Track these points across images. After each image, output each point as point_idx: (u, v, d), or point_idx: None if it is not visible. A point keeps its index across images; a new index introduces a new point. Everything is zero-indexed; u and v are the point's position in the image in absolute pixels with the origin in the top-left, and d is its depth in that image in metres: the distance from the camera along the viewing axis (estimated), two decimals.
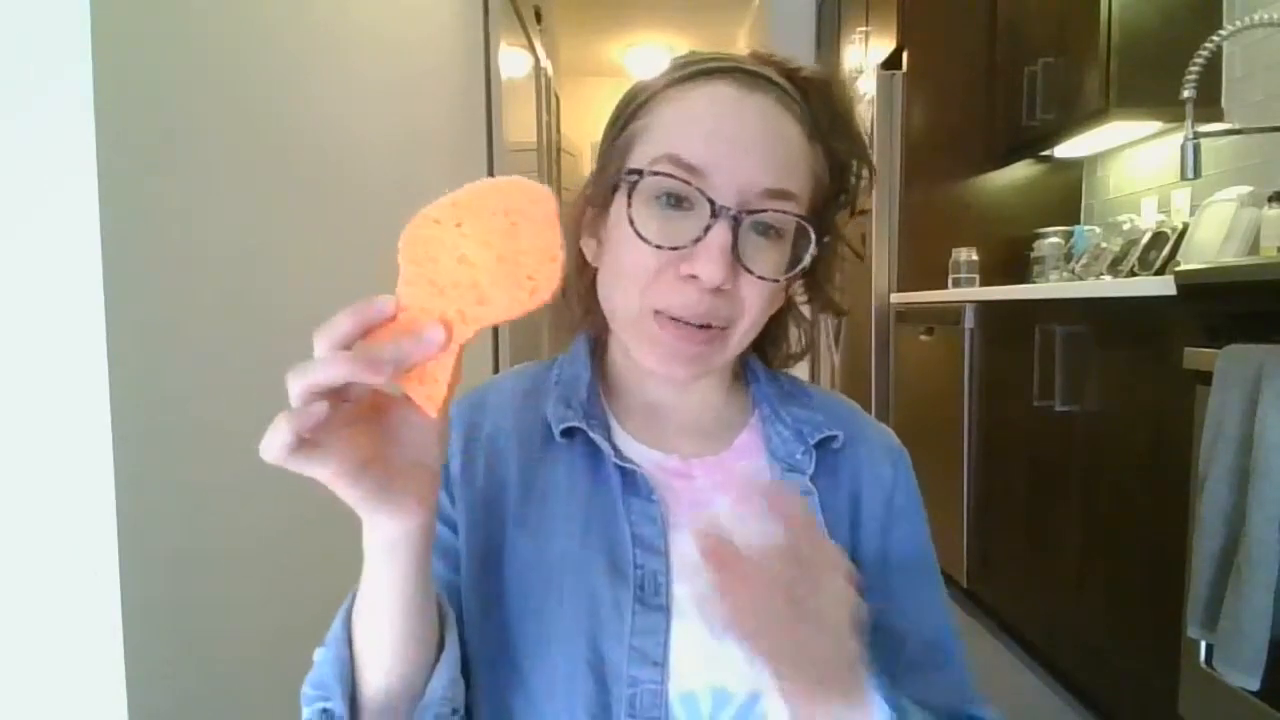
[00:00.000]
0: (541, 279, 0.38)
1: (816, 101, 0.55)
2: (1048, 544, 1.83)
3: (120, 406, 0.78)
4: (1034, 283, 2.51)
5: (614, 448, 0.55)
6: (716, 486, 0.57)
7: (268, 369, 1.04)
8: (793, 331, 0.65)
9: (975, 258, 2.60)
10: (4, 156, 0.75)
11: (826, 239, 0.57)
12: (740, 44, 5.21)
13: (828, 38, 3.62)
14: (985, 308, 2.13)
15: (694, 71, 0.54)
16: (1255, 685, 1.09)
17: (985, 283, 2.54)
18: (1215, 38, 1.65)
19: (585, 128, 5.87)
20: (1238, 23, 1.67)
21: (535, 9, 3.81)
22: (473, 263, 0.38)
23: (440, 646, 0.47)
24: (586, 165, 6.01)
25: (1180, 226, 2.08)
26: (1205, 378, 1.22)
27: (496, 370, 1.83)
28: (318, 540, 1.05)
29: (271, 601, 1.05)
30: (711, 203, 0.50)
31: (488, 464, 0.57)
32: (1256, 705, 1.16)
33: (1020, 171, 2.77)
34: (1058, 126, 2.38)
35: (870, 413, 0.66)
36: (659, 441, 0.58)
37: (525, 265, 0.38)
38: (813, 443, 0.58)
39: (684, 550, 0.53)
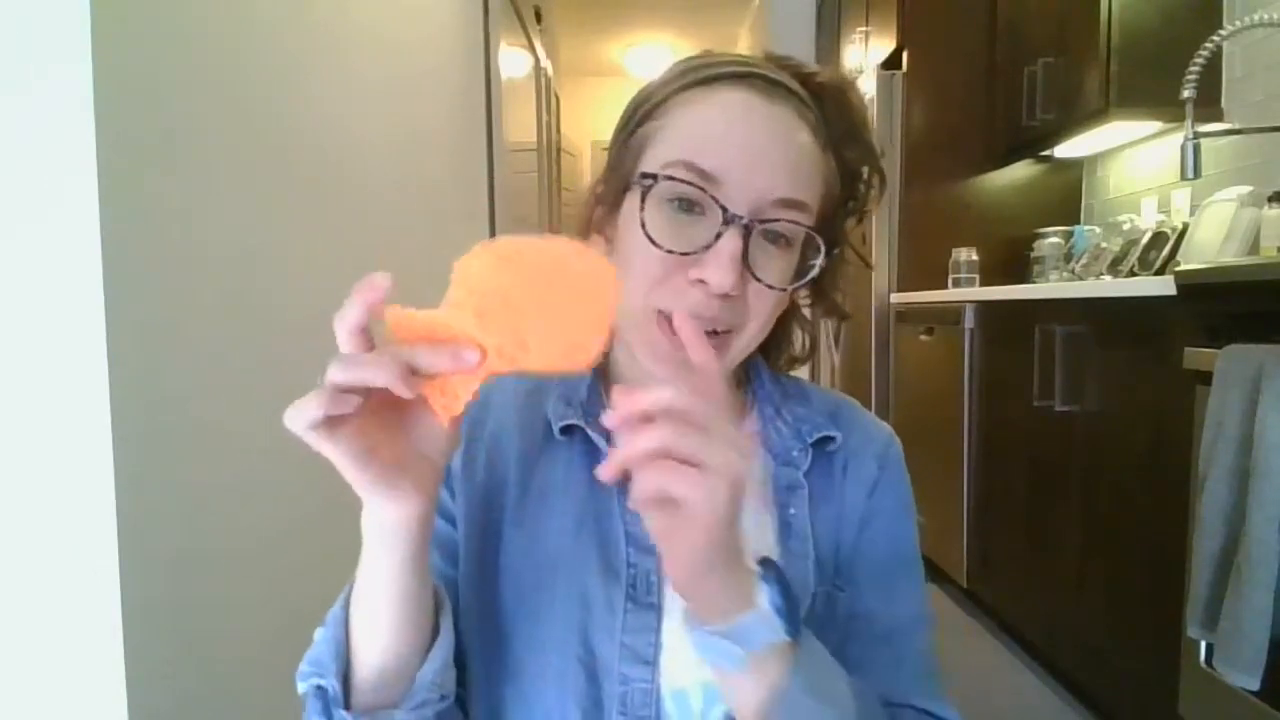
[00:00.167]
0: (583, 347, 0.39)
1: (831, 108, 0.56)
2: (1048, 544, 1.83)
3: (120, 406, 0.78)
4: (1034, 283, 2.51)
5: (612, 446, 0.55)
6: None
7: (268, 369, 1.05)
8: (796, 334, 0.65)
9: (975, 258, 2.60)
10: (4, 156, 0.75)
11: (835, 250, 0.58)
12: (740, 44, 5.21)
13: (828, 38, 3.62)
14: (985, 308, 2.14)
15: (711, 75, 0.54)
16: (1255, 685, 1.09)
17: (985, 283, 2.54)
18: (1215, 38, 1.65)
19: (585, 128, 5.87)
20: (1238, 23, 1.67)
21: (535, 9, 3.81)
22: (519, 308, 0.39)
23: (435, 633, 0.48)
24: (586, 165, 6.01)
25: (1180, 226, 2.08)
26: (1205, 378, 1.22)
27: None
28: (318, 540, 1.05)
29: (271, 601, 1.05)
30: (724, 210, 0.50)
31: (489, 460, 0.58)
32: (1256, 705, 1.16)
33: (1020, 171, 2.77)
34: (1058, 126, 2.38)
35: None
36: None
37: (570, 329, 0.39)
38: (810, 441, 0.59)
39: None
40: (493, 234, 2.82)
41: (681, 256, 0.50)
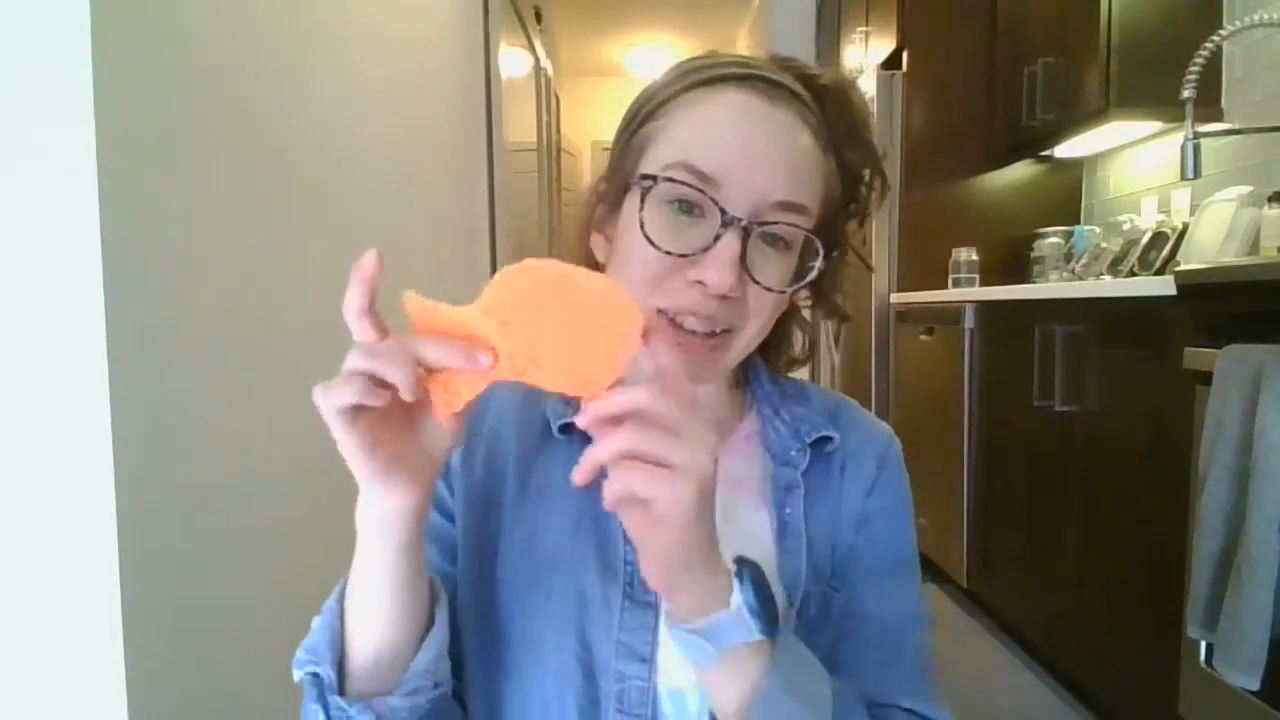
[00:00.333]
0: (594, 380, 0.39)
1: (833, 110, 0.56)
2: (1048, 544, 1.83)
3: (120, 406, 0.78)
4: (1034, 283, 2.51)
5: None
6: None
7: (268, 369, 1.05)
8: (796, 335, 0.65)
9: (975, 258, 2.60)
10: (4, 156, 0.75)
11: (835, 253, 0.58)
12: (740, 44, 5.21)
13: (828, 38, 3.61)
14: (985, 308, 2.14)
15: (713, 76, 0.53)
16: (1255, 685, 1.09)
17: (985, 283, 2.54)
18: (1215, 38, 1.65)
19: (585, 127, 5.87)
20: (1238, 23, 1.67)
21: (535, 9, 3.81)
22: (543, 327, 0.39)
23: (430, 624, 0.48)
24: (587, 165, 6.01)
25: (1180, 226, 2.08)
26: (1205, 378, 1.22)
27: None
28: (318, 540, 1.05)
29: (271, 601, 1.05)
30: (723, 212, 0.50)
31: (488, 457, 0.58)
32: (1256, 705, 1.16)
33: (1020, 171, 2.77)
34: (1058, 126, 2.38)
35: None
36: None
37: (586, 360, 0.39)
38: (809, 441, 0.59)
39: None
40: (493, 234, 2.83)
41: (680, 258, 0.51)
